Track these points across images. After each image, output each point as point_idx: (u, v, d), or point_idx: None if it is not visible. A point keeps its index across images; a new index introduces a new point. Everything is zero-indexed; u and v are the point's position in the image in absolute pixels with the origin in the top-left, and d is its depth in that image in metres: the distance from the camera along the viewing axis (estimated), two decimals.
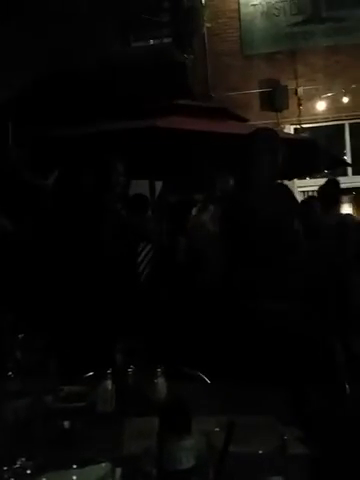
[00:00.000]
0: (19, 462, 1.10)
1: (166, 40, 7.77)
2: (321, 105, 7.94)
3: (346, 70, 7.83)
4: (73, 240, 2.58)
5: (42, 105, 5.50)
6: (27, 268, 2.65)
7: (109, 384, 1.62)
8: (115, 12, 6.63)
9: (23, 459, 1.11)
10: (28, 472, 1.04)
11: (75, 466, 0.89)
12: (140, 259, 3.57)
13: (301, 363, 2.36)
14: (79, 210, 2.94)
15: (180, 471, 0.89)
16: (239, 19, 8.26)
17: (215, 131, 4.42)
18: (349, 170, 7.97)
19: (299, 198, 6.18)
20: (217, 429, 0.94)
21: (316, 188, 8.23)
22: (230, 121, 5.22)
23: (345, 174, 7.79)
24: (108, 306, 2.38)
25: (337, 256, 4.07)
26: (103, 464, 0.89)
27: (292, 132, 7.97)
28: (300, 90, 8.01)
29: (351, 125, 8.20)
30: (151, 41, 8.06)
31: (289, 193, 2.80)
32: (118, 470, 1.03)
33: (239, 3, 8.25)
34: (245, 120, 5.69)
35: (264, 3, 8.24)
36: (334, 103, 7.85)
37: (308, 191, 8.04)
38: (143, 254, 3.70)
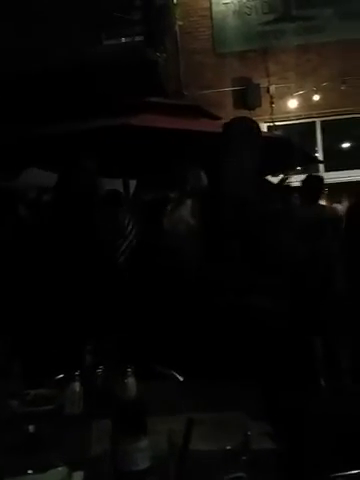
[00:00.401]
0: None
1: (138, 38, 7.72)
2: (293, 103, 8.02)
3: (317, 68, 7.93)
4: (38, 238, 2.53)
5: (11, 104, 5.41)
6: None
7: (77, 386, 1.59)
8: (86, 10, 6.56)
9: None
10: None
11: (31, 471, 0.86)
12: (115, 256, 3.53)
13: (276, 358, 2.36)
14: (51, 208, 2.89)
15: (135, 472, 0.87)
16: (211, 17, 8.29)
17: (188, 129, 4.42)
18: (321, 167, 8.07)
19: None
20: (176, 427, 0.92)
21: (290, 185, 8.32)
22: (203, 119, 5.22)
23: (317, 171, 7.88)
24: (77, 305, 2.34)
25: (318, 250, 4.13)
26: (60, 468, 0.86)
27: (265, 130, 8.02)
28: (272, 88, 8.08)
29: (322, 123, 8.31)
30: (123, 39, 8.00)
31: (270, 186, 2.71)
32: (80, 473, 1.00)
33: (211, 1, 8.28)
34: (218, 118, 5.69)
35: (236, 2, 8.28)
36: (306, 101, 7.94)
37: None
38: (119, 250, 3.66)
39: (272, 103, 8.11)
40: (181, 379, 2.03)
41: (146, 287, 3.12)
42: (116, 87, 5.70)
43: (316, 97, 7.86)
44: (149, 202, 4.69)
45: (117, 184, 5.47)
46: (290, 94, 8.00)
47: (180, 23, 7.99)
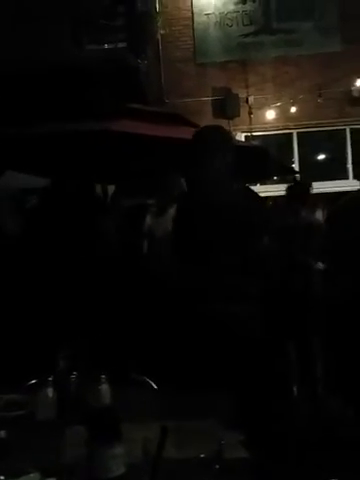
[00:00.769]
0: None
1: (120, 45, 7.74)
2: (271, 114, 8.13)
3: (294, 81, 8.07)
4: (14, 244, 2.50)
5: None
6: None
7: (50, 391, 1.57)
8: (69, 15, 6.54)
9: None
10: None
11: (3, 477, 0.85)
12: (94, 261, 3.50)
13: (250, 367, 2.37)
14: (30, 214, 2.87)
15: (110, 479, 0.87)
16: (193, 28, 8.37)
17: (168, 136, 4.43)
18: (297, 178, 8.18)
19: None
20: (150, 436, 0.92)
21: (266, 194, 8.45)
22: (183, 127, 5.24)
23: (294, 181, 7.98)
24: (51, 310, 2.31)
25: (302, 256, 4.18)
26: (32, 474, 0.86)
27: (243, 140, 8.11)
28: (251, 99, 8.18)
29: (299, 134, 8.45)
30: (105, 45, 8.01)
31: (252, 194, 2.69)
32: None
33: (193, 12, 8.35)
34: (197, 126, 5.72)
35: (217, 13, 8.38)
36: (283, 112, 8.06)
37: None
38: (99, 255, 3.63)
39: (250, 113, 8.21)
40: (155, 387, 2.03)
41: (123, 293, 3.11)
42: (97, 92, 5.69)
43: (293, 109, 7.99)
44: (128, 208, 4.69)
45: (96, 189, 5.44)
46: (268, 105, 8.12)
47: (162, 32, 8.04)
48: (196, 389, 1.77)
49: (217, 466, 0.89)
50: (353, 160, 8.18)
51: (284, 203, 4.73)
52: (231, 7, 8.37)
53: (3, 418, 1.51)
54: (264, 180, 7.61)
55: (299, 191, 4.59)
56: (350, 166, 8.25)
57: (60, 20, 6.52)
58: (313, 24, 8.19)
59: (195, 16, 8.36)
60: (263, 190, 8.03)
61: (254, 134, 8.25)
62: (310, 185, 4.70)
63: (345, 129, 8.43)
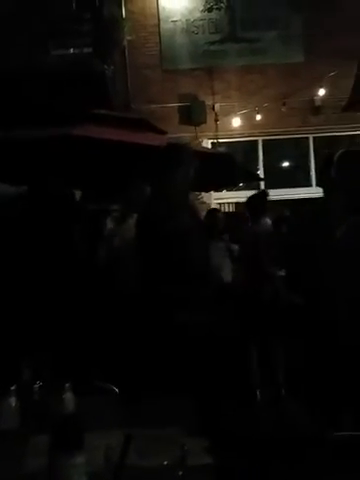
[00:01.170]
0: None
1: (86, 50, 7.70)
2: (236, 121, 8.24)
3: (260, 89, 8.21)
4: None
5: None
6: None
7: (13, 400, 1.56)
8: (34, 20, 6.47)
9: None
10: None
11: None
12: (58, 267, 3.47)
13: (213, 372, 2.40)
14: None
15: None
16: (159, 34, 8.41)
17: (132, 141, 4.43)
18: (262, 184, 8.32)
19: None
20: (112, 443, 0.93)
21: (232, 200, 8.53)
22: (148, 132, 5.25)
23: (258, 188, 8.12)
24: (15, 319, 2.28)
25: (268, 264, 4.29)
26: None
27: (209, 146, 8.19)
28: (217, 106, 8.28)
29: (264, 141, 8.59)
30: (71, 50, 7.95)
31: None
32: None
33: (159, 18, 8.40)
34: (163, 132, 5.75)
35: (184, 20, 8.45)
36: (249, 120, 8.19)
37: (224, 203, 8.31)
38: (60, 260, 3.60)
39: (217, 120, 8.31)
40: (117, 391, 2.03)
41: (86, 299, 3.10)
42: (62, 97, 5.65)
43: (258, 117, 8.12)
44: (92, 212, 4.67)
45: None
46: (234, 112, 8.22)
47: (129, 38, 8.04)
48: (159, 396, 1.78)
49: (180, 473, 0.91)
50: (316, 168, 8.38)
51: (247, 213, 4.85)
52: (197, 15, 8.46)
53: None
54: (230, 186, 7.69)
55: (257, 201, 4.71)
56: (313, 173, 8.45)
57: (26, 25, 6.45)
58: (277, 34, 8.35)
59: (162, 23, 8.41)
60: (229, 196, 8.18)
61: (220, 141, 8.35)
62: (267, 194, 4.83)
63: (308, 137, 8.63)
